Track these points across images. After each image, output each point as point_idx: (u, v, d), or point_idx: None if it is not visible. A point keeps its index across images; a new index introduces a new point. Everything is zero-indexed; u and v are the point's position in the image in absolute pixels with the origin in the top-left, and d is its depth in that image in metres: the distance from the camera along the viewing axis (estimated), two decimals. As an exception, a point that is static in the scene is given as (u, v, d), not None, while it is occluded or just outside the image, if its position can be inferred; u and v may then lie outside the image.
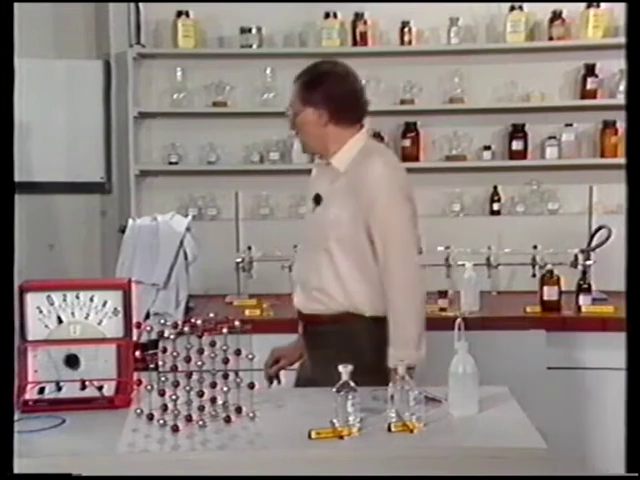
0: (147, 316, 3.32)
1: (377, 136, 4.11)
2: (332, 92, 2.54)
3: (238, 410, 2.08)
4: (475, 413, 2.09)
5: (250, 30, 4.06)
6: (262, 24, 4.07)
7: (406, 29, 4.03)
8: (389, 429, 1.96)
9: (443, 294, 3.55)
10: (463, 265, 3.57)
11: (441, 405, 2.12)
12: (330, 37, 4.05)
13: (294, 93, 2.58)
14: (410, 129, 4.10)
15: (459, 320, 2.10)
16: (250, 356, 2.11)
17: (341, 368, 1.97)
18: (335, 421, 1.95)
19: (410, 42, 4.04)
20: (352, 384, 1.97)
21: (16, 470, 1.77)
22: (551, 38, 4.03)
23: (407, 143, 4.10)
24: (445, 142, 4.14)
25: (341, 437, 1.92)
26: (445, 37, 4.08)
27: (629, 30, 1.71)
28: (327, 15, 4.05)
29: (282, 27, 4.15)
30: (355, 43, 4.08)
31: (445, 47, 4.09)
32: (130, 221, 3.59)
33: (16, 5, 4.36)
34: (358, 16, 4.06)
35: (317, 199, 2.57)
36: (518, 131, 4.09)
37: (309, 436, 1.91)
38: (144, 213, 4.13)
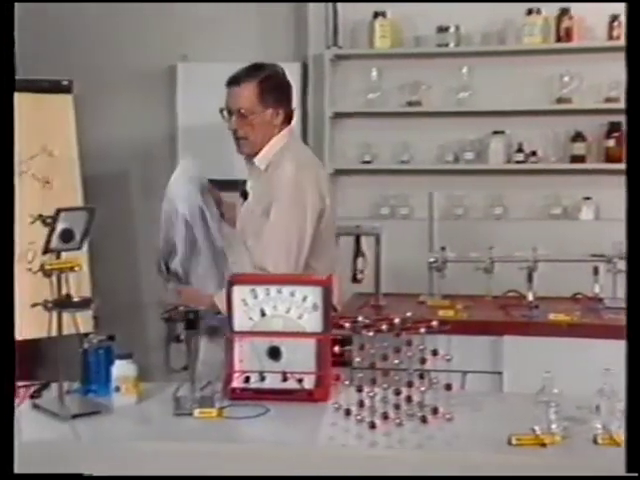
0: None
1: (579, 136, 3.97)
2: (288, 94, 2.73)
3: (434, 411, 2.07)
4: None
5: (447, 29, 4.02)
6: (460, 22, 4.03)
7: (615, 23, 3.85)
8: (595, 441, 1.87)
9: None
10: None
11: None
12: (532, 34, 3.93)
13: (247, 93, 2.66)
14: (615, 129, 3.91)
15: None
16: (448, 357, 2.09)
17: (544, 374, 1.91)
18: (536, 428, 1.88)
19: (619, 37, 3.85)
20: (555, 390, 1.90)
21: (225, 454, 1.87)
22: None
23: (611, 143, 3.92)
24: (654, 142, 3.91)
25: (543, 445, 1.86)
26: (658, 30, 3.85)
27: (629, 30, 1.70)
28: (529, 11, 3.94)
29: (480, 25, 4.07)
30: (558, 39, 3.94)
31: (658, 41, 3.86)
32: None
33: (224, 13, 4.47)
34: (563, 11, 3.92)
35: (244, 194, 2.72)
36: None
37: (509, 442, 1.87)
38: (338, 212, 4.20)
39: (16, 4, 1.89)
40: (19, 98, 3.72)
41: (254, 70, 2.72)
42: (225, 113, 2.72)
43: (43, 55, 4.36)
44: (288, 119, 2.74)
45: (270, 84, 2.69)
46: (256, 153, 2.71)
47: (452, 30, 4.02)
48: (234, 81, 2.69)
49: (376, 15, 4.10)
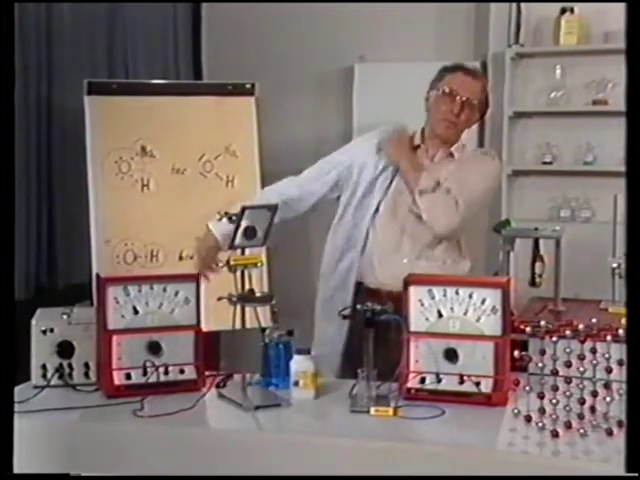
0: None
1: None
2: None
3: (620, 424, 1.97)
4: None
5: (640, 23, 3.82)
6: (655, 15, 3.82)
7: None
8: None
9: None
10: None
11: None
12: None
13: (480, 88, 2.73)
14: None
15: None
16: (636, 368, 1.98)
17: None
18: None
19: None
20: None
21: (401, 453, 1.86)
22: None
23: None
24: None
25: None
26: None
27: (629, 30, 1.69)
28: None
29: (675, 17, 3.85)
30: None
31: None
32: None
33: (401, 13, 4.42)
34: None
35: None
36: None
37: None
38: (515, 213, 4.12)
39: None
40: (205, 101, 3.92)
41: (462, 64, 2.81)
42: (445, 94, 2.73)
43: (227, 58, 4.55)
44: None
45: (483, 81, 2.81)
46: (448, 142, 2.79)
47: (645, 23, 3.82)
48: (469, 72, 2.76)
49: (563, 11, 3.97)
